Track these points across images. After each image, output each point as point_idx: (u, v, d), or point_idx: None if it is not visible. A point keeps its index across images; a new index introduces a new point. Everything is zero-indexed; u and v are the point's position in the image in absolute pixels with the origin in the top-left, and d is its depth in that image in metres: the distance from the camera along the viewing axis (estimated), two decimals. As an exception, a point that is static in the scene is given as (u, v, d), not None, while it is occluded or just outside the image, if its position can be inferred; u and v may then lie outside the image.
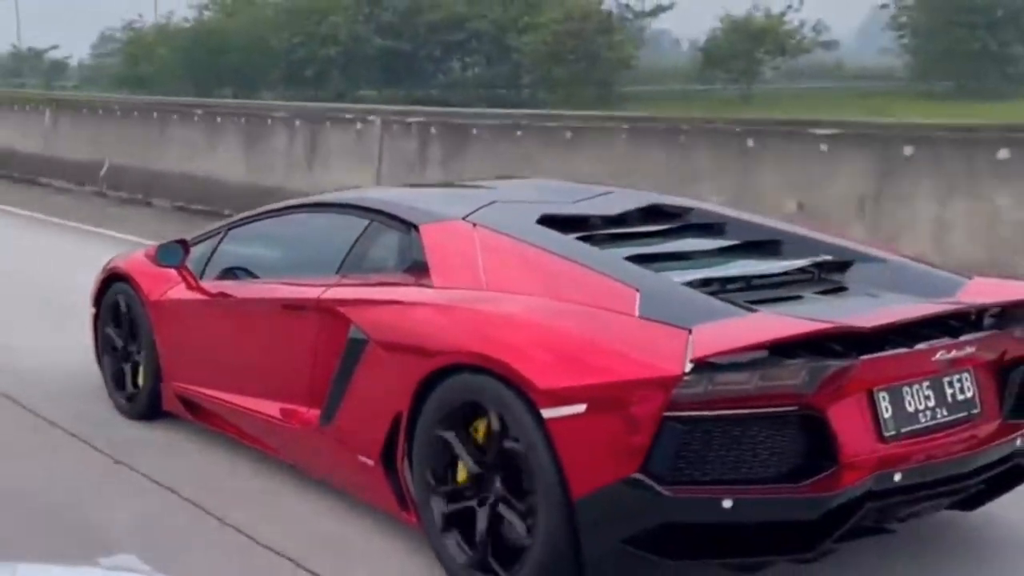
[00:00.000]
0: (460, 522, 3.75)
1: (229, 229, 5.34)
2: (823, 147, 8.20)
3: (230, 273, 5.14)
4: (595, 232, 4.22)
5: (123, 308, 5.63)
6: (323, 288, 4.42)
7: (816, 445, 3.31)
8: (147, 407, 5.48)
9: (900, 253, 4.43)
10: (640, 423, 3.23)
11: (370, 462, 4.06)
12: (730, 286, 3.84)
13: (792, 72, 45.21)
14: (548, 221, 4.19)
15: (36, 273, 9.42)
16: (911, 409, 3.47)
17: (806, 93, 40.70)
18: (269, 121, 12.91)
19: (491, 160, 10.39)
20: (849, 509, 3.33)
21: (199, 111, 14.23)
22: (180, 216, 12.66)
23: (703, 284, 3.77)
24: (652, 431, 3.20)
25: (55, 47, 56.75)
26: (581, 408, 3.33)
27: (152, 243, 5.83)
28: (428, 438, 3.81)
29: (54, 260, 10.19)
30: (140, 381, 5.52)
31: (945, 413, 3.55)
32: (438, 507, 3.81)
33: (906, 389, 3.48)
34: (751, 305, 3.54)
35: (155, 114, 14.81)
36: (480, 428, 3.70)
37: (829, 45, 47.33)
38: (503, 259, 4.00)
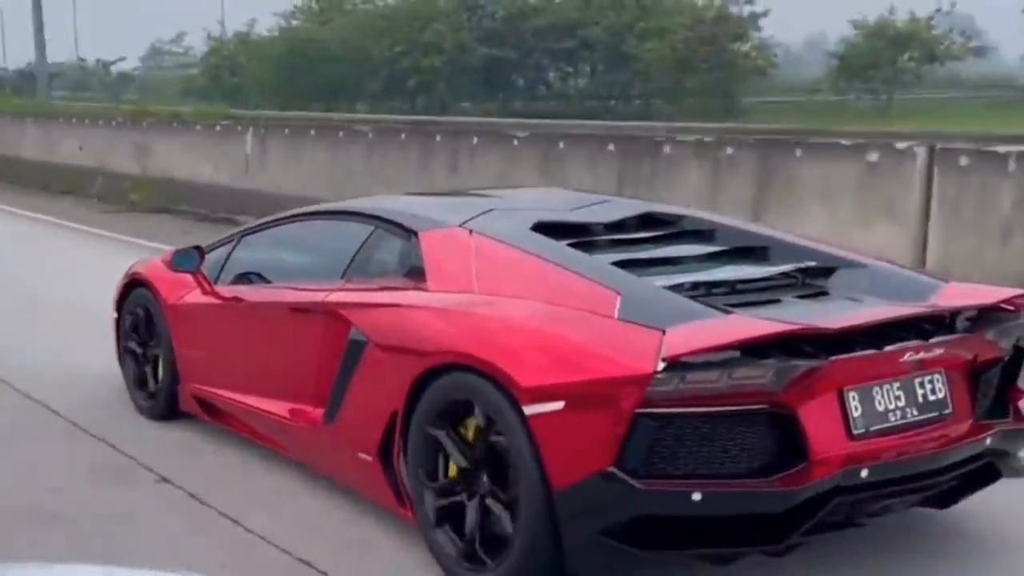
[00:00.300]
0: (451, 516, 3.92)
1: (243, 236, 5.56)
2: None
3: (243, 278, 5.35)
4: (587, 238, 4.38)
5: (142, 313, 5.86)
6: (328, 292, 4.61)
7: (785, 442, 3.45)
8: (165, 408, 5.70)
9: (884, 258, 4.55)
10: (615, 419, 3.38)
11: (369, 459, 4.24)
12: (715, 290, 3.99)
13: (938, 80, 41.83)
14: (542, 228, 4.35)
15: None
16: (881, 408, 3.60)
17: (950, 103, 37.65)
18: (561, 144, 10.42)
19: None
20: (817, 503, 3.46)
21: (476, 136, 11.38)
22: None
23: (690, 288, 3.92)
24: (626, 427, 3.36)
25: (122, 59, 56.20)
26: (560, 405, 3.49)
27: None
28: (421, 435, 3.98)
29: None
30: (159, 382, 5.73)
31: (915, 413, 3.67)
32: (430, 502, 3.99)
33: (876, 389, 3.60)
34: (729, 308, 3.68)
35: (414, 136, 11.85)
36: (469, 425, 3.87)
37: (979, 51, 44.26)
38: (495, 264, 4.17)
